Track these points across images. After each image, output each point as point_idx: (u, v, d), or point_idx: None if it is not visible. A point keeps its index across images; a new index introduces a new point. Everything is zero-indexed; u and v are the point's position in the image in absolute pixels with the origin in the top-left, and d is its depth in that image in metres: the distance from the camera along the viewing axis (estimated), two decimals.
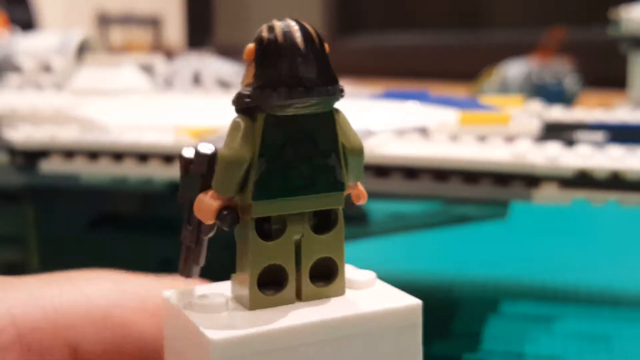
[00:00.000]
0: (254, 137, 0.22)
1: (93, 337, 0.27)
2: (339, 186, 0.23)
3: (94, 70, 0.65)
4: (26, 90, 0.64)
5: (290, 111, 0.22)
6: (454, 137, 0.48)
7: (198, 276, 0.25)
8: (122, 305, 0.27)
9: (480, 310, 0.52)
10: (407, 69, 2.45)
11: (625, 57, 1.20)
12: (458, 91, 1.39)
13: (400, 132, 0.49)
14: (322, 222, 0.24)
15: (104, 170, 0.49)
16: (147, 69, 0.67)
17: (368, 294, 0.24)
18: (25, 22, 1.71)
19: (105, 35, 3.26)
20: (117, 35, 3.39)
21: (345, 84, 0.24)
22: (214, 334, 0.21)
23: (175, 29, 3.85)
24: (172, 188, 0.51)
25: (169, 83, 0.66)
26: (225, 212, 0.22)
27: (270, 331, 0.22)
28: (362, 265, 0.25)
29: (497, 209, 0.48)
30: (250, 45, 0.22)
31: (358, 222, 0.53)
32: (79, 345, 0.26)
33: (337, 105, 0.23)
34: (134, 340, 0.27)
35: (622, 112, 0.55)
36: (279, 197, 0.22)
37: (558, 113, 0.56)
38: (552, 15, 2.36)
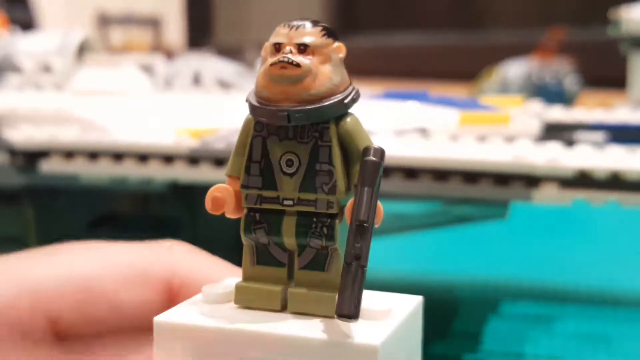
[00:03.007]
0: None
1: (72, 309, 0.26)
2: None
3: (94, 70, 0.65)
4: (26, 91, 0.63)
5: None
6: (454, 137, 0.48)
7: None
8: (101, 276, 0.27)
9: (480, 311, 0.52)
10: (407, 69, 2.45)
11: (625, 57, 1.20)
12: (458, 91, 1.39)
13: (400, 132, 0.49)
14: None
15: (104, 170, 0.49)
16: (147, 69, 0.67)
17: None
18: (25, 22, 1.71)
19: (105, 36, 3.25)
20: (117, 35, 3.39)
21: None
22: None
23: (175, 29, 3.85)
24: (172, 188, 0.51)
25: (169, 83, 0.66)
26: None
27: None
28: None
29: (497, 209, 0.48)
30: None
31: None
32: (59, 319, 0.26)
33: None
34: (115, 311, 0.27)
35: (622, 113, 0.55)
36: None
37: (558, 113, 0.56)
38: (552, 15, 2.36)
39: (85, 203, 0.55)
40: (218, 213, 0.24)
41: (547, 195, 0.42)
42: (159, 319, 0.23)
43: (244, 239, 0.24)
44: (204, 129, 0.50)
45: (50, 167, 0.50)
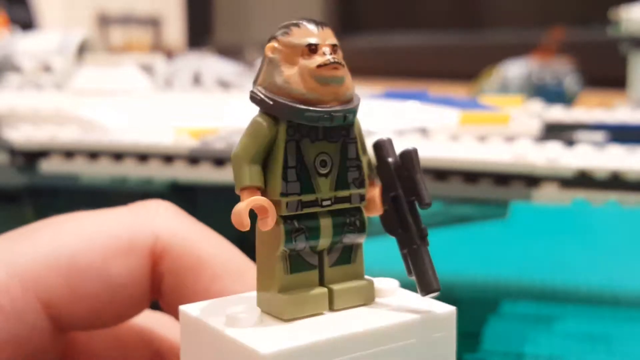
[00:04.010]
0: None
1: (61, 286, 0.26)
2: None
3: (94, 70, 0.65)
4: (26, 90, 0.64)
5: None
6: (454, 137, 0.48)
7: None
8: (87, 250, 0.26)
9: (480, 310, 0.52)
10: (407, 69, 2.45)
11: (625, 57, 1.20)
12: (458, 91, 1.39)
13: (400, 132, 0.49)
14: None
15: (104, 170, 0.49)
16: (147, 69, 0.67)
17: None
18: (25, 22, 1.71)
19: (105, 35, 3.25)
20: (117, 35, 3.39)
21: None
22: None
23: (175, 29, 3.85)
24: (172, 188, 0.51)
25: (169, 83, 0.66)
26: None
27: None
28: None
29: (497, 209, 0.48)
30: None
31: None
32: (50, 298, 0.25)
33: None
34: (104, 284, 0.26)
35: (622, 113, 0.55)
36: None
37: (558, 113, 0.56)
38: (552, 15, 2.36)
39: (85, 203, 0.55)
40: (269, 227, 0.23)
41: (547, 195, 0.42)
42: (266, 353, 0.21)
43: (282, 250, 0.23)
44: (204, 129, 0.50)
45: (50, 167, 0.50)
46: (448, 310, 0.23)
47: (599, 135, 0.50)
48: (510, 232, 0.71)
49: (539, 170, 0.41)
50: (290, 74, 0.23)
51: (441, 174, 0.43)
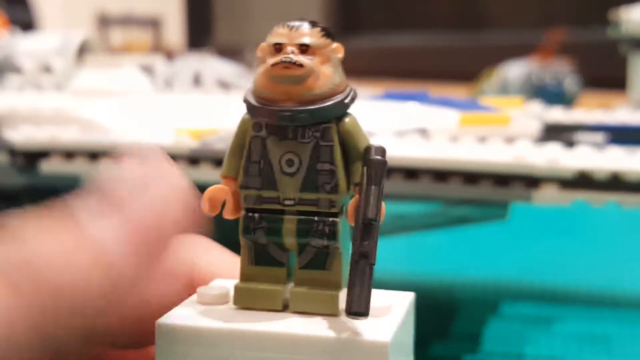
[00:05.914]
0: None
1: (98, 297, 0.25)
2: None
3: (94, 70, 0.65)
4: (26, 91, 0.63)
5: None
6: (454, 138, 0.48)
7: None
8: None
9: (480, 311, 0.52)
10: (407, 70, 2.45)
11: (625, 58, 1.20)
12: (458, 92, 1.39)
13: (401, 133, 0.49)
14: None
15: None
16: (147, 70, 0.67)
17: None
18: (25, 22, 1.71)
19: (106, 36, 3.25)
20: (117, 35, 3.39)
21: None
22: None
23: (175, 29, 3.85)
24: None
25: (169, 83, 0.66)
26: None
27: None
28: None
29: (497, 210, 0.48)
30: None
31: None
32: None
33: None
34: (141, 304, 0.25)
35: (622, 113, 0.55)
36: None
37: (558, 114, 0.56)
38: (551, 16, 2.36)
39: None
40: (215, 214, 0.24)
41: (547, 196, 0.42)
42: (162, 321, 0.23)
43: (242, 239, 0.24)
44: (204, 129, 0.50)
45: (50, 167, 0.50)
46: (381, 340, 0.21)
47: (598, 136, 0.50)
48: (510, 233, 0.71)
49: (539, 171, 0.41)
50: (258, 73, 0.23)
51: (441, 174, 0.43)
